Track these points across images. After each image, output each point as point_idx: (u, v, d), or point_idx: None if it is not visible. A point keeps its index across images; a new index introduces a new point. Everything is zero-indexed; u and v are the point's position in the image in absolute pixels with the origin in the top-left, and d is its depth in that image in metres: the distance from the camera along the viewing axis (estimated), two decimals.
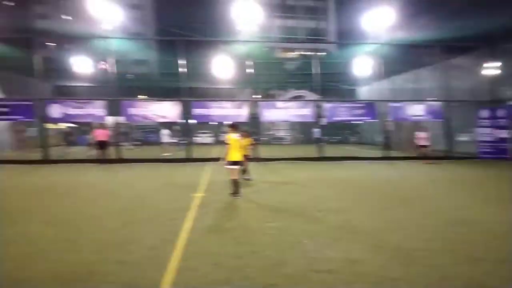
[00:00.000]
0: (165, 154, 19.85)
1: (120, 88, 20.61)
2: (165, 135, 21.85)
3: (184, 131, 23.10)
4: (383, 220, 6.56)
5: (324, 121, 19.62)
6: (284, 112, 18.78)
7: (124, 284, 4.00)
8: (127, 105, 17.78)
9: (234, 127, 8.90)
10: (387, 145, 19.92)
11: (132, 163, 17.10)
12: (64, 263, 4.54)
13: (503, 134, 17.41)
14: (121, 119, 18.51)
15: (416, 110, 19.09)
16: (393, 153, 19.00)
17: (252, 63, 20.23)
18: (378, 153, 19.95)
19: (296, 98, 32.83)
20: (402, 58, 22.63)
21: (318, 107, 19.20)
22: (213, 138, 35.11)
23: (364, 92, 30.86)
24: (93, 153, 17.69)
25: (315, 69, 19.77)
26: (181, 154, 18.78)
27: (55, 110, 17.39)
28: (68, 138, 27.26)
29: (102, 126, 17.46)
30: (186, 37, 18.94)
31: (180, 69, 18.29)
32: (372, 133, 30.17)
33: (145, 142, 31.88)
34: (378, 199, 8.56)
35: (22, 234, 5.74)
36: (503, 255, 4.83)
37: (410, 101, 19.68)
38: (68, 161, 17.71)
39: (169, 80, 29.06)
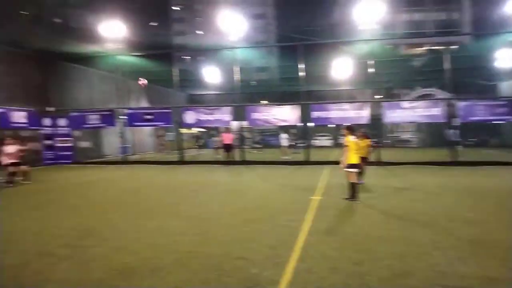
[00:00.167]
0: (285, 157, 20.30)
1: (244, 95, 21.89)
2: (284, 138, 22.36)
3: (302, 134, 23.32)
4: None
5: (457, 121, 17.63)
6: (410, 112, 17.46)
7: (246, 279, 4.19)
8: (251, 110, 18.74)
9: (351, 129, 8.64)
10: None
11: (254, 165, 17.90)
12: (192, 255, 4.98)
13: None
14: (244, 123, 19.64)
15: None
16: None
17: (373, 62, 19.36)
18: None
19: (424, 97, 30.25)
20: None
21: (450, 106, 17.36)
22: (332, 140, 34.59)
23: (507, 87, 26.84)
24: (220, 155, 19.10)
25: (447, 64, 17.91)
26: (300, 157, 18.98)
27: (189, 117, 19.34)
28: (199, 141, 29.92)
29: (228, 130, 18.81)
30: (305, 41, 19.12)
31: (300, 73, 18.53)
32: None
33: (266, 145, 33.14)
34: None
35: (160, 227, 6.49)
36: None
37: None
38: (198, 162, 19.53)
39: (289, 84, 29.72)
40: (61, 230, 6.27)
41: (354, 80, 27.68)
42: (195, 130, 32.22)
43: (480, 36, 31.63)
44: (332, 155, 19.28)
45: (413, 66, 32.06)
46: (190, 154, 21.78)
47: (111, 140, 24.28)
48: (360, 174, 10.44)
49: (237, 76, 19.36)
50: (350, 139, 8.41)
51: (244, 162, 18.50)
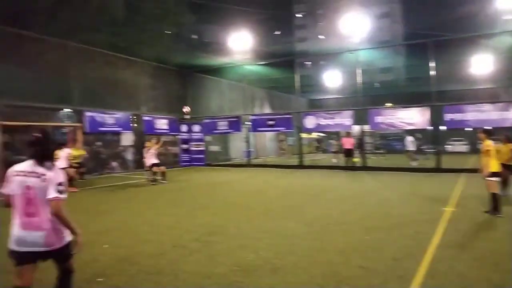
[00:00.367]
0: (413, 163, 18.83)
1: (366, 97, 21.09)
2: (410, 143, 20.76)
3: (432, 138, 21.32)
4: None
5: None
6: None
7: None
8: (374, 114, 17.93)
9: (488, 132, 7.57)
10: None
11: (376, 171, 17.09)
12: (311, 259, 4.97)
13: None
14: (366, 127, 18.88)
15: None
16: None
17: None
18: None
19: None
20: None
21: None
22: (468, 146, 30.74)
23: None
24: (338, 160, 18.73)
25: None
26: (429, 164, 17.40)
27: (309, 121, 19.43)
28: (320, 146, 29.79)
29: (349, 134, 18.32)
30: (436, 37, 17.48)
31: (431, 72, 17.03)
32: None
33: (389, 150, 31.29)
34: None
35: (279, 229, 6.64)
36: None
37: None
38: (318, 167, 19.47)
39: (416, 85, 27.58)
40: (192, 226, 6.91)
41: (497, 78, 24.28)
42: (315, 134, 32.25)
43: None
44: (469, 162, 17.22)
45: None
46: (312, 158, 21.86)
47: (237, 145, 25.92)
48: (504, 184, 9.07)
49: (359, 79, 18.74)
50: (489, 144, 7.39)
51: (365, 168, 17.79)
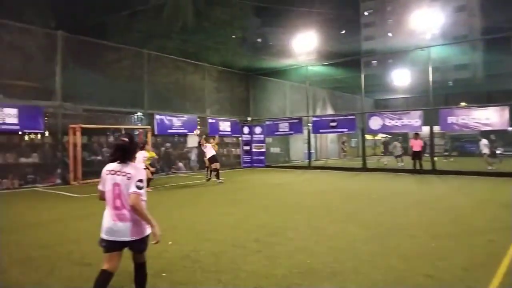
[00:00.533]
0: (489, 167, 17.36)
1: (438, 97, 19.90)
2: (484, 146, 19.14)
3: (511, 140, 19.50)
4: None
5: None
6: None
7: None
8: (446, 114, 16.87)
9: None
10: None
11: (447, 175, 16.09)
12: (373, 264, 4.80)
13: None
14: (436, 128, 17.78)
15: None
16: None
17: None
18: None
19: None
20: None
21: None
22: None
23: None
24: (402, 163, 17.86)
25: None
26: (506, 167, 15.93)
27: (374, 122, 18.78)
28: (385, 148, 28.65)
29: (417, 136, 17.37)
30: None
31: None
32: None
33: (462, 153, 29.14)
34: None
35: (340, 232, 6.51)
36: None
37: None
38: (383, 169, 18.73)
39: (495, 82, 25.40)
40: (252, 226, 7.02)
41: None
42: (380, 136, 31.07)
43: None
44: None
45: None
46: (379, 160, 21.07)
47: (297, 146, 25.82)
48: None
49: (430, 77, 17.71)
50: None
51: (434, 172, 16.78)
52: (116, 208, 3.30)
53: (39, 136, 14.30)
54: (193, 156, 20.26)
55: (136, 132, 16.97)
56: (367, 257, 5.09)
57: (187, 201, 10.22)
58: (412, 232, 6.42)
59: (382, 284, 4.19)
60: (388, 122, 18.38)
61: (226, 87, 22.96)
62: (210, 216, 8.14)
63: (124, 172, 3.33)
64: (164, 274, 4.48)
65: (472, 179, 14.57)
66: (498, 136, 20.87)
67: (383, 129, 18.98)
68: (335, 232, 6.45)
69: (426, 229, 6.62)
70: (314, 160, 24.71)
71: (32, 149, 14.04)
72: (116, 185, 3.32)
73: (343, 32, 52.59)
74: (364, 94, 20.47)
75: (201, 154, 15.85)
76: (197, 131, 15.41)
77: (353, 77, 23.13)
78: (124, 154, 3.40)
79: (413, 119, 17.60)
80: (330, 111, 28.28)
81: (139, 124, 17.41)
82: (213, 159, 14.49)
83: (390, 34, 55.15)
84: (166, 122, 18.34)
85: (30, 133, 13.96)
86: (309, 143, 21.82)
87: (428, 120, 17.55)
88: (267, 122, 22.99)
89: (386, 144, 27.46)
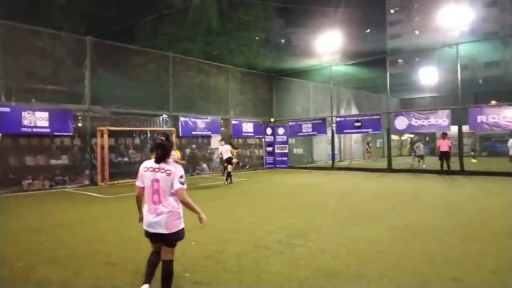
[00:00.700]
0: None
1: (466, 95, 19.30)
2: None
3: None
4: None
5: None
6: None
7: None
8: (475, 113, 16.34)
9: None
10: None
11: (475, 176, 15.61)
12: (398, 267, 4.69)
13: None
14: (465, 128, 17.23)
15: None
16: None
17: None
18: None
19: None
20: None
21: None
22: None
23: None
24: (424, 165, 17.47)
25: None
26: None
27: (400, 122, 18.40)
28: (412, 148, 28.05)
29: (445, 136, 16.90)
30: None
31: None
32: None
33: (492, 153, 28.10)
34: None
35: (364, 234, 6.40)
36: None
37: None
38: (409, 170, 18.33)
39: None
40: (275, 227, 6.99)
41: None
42: (407, 136, 30.42)
43: None
44: None
45: None
46: (400, 162, 20.63)
47: (321, 147, 25.59)
48: None
49: (458, 75, 17.18)
50: None
51: (463, 172, 16.28)
52: (154, 202, 3.55)
53: (68, 138, 14.76)
54: (216, 157, 20.44)
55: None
56: (392, 260, 4.99)
57: (209, 202, 10.29)
58: (439, 234, 6.24)
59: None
60: (415, 122, 17.96)
61: (250, 88, 23.04)
62: (232, 217, 8.17)
63: (163, 169, 3.55)
64: (187, 274, 4.52)
65: (502, 180, 14.05)
66: None
67: (409, 129, 18.56)
68: (359, 234, 6.35)
69: (454, 231, 6.43)
70: (338, 161, 24.43)
71: (62, 151, 14.50)
72: (155, 181, 3.54)
73: (368, 30, 51.83)
74: (390, 94, 20.10)
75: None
76: (222, 143, 15.65)
77: (379, 76, 22.75)
78: (163, 152, 3.60)
79: (441, 119, 17.14)
80: (354, 111, 27.88)
81: (164, 126, 17.70)
82: (228, 161, 14.79)
83: (416, 32, 53.91)
84: (190, 123, 18.57)
85: (60, 136, 14.42)
86: (332, 143, 21.58)
87: (457, 119, 17.04)
88: (290, 123, 22.90)
89: (413, 144, 26.80)
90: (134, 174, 15.85)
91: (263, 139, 23.12)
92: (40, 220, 8.16)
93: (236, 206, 9.59)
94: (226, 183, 14.51)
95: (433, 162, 19.01)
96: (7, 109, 12.72)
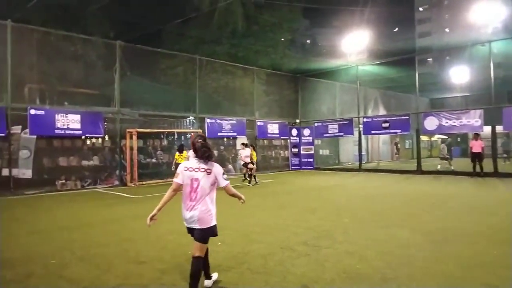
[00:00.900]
0: None
1: (501, 94, 18.57)
2: None
3: None
4: None
5: None
6: None
7: None
8: (510, 112, 15.71)
9: None
10: None
11: (510, 178, 15.01)
12: (427, 271, 4.58)
13: None
14: (500, 128, 16.59)
15: None
16: None
17: None
18: None
19: None
20: None
21: None
22: None
23: None
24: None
25: None
26: None
27: (429, 123, 17.93)
28: (442, 150, 27.27)
29: (477, 137, 16.31)
30: None
31: None
32: None
33: None
34: None
35: (392, 237, 6.28)
36: None
37: None
38: (440, 172, 17.84)
39: None
40: (300, 229, 6.96)
41: None
42: (437, 137, 29.57)
43: None
44: None
45: None
46: (429, 163, 20.05)
47: (348, 148, 25.25)
48: None
49: (491, 74, 16.57)
50: None
51: (496, 174, 15.68)
52: (191, 199, 3.81)
53: (99, 140, 15.21)
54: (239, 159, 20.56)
55: (188, 136, 17.50)
56: (422, 263, 4.88)
57: (234, 203, 10.30)
58: (471, 238, 6.05)
59: None
60: (445, 122, 17.45)
61: (275, 89, 23.04)
62: (258, 218, 8.19)
63: (203, 168, 3.85)
64: (212, 274, 4.57)
65: None
66: None
67: (440, 129, 18.05)
68: (387, 237, 6.24)
69: (486, 235, 6.22)
70: (365, 163, 24.03)
71: (93, 153, 14.97)
72: (195, 180, 3.82)
73: (396, 29, 50.74)
74: (419, 93, 19.61)
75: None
76: (242, 146, 15.78)
77: (407, 75, 22.21)
78: (202, 152, 3.87)
79: (473, 119, 16.58)
80: (382, 111, 27.35)
81: (191, 128, 17.95)
82: (246, 165, 15.13)
83: (447, 30, 52.34)
84: (216, 125, 18.76)
85: (91, 138, 14.89)
86: (359, 144, 21.26)
87: (490, 119, 16.43)
88: (316, 124, 22.73)
89: (446, 145, 25.92)
90: (162, 175, 16.19)
91: (288, 140, 23.04)
92: (73, 219, 8.45)
93: (261, 207, 9.60)
94: (250, 184, 14.55)
95: (465, 164, 18.40)
96: (42, 112, 13.25)
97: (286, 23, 27.00)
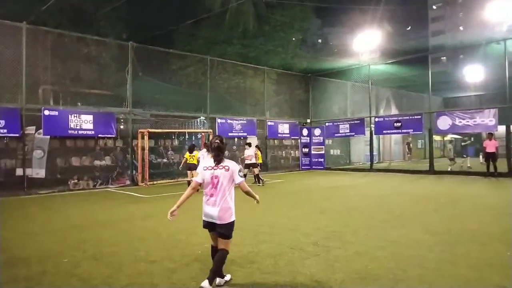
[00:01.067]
0: None
1: None
2: None
3: None
4: None
5: None
6: None
7: None
8: None
9: None
10: None
11: None
12: (439, 273, 4.53)
13: None
14: None
15: None
16: None
17: None
18: None
19: None
20: None
21: None
22: None
23: None
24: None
25: None
26: None
27: (442, 122, 17.70)
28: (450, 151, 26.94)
29: (491, 136, 16.05)
30: None
31: None
32: None
33: None
34: None
35: (403, 237, 6.22)
36: None
37: None
38: (452, 172, 17.62)
39: None
40: (310, 229, 6.94)
41: None
42: (450, 137, 29.16)
43: None
44: None
45: None
46: (442, 163, 19.77)
47: (359, 148, 25.06)
48: None
49: (506, 72, 16.27)
50: None
51: (511, 174, 15.45)
52: (212, 196, 4.10)
53: (111, 140, 15.37)
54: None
55: (199, 136, 17.59)
56: (433, 264, 4.82)
57: (244, 203, 10.30)
58: (483, 239, 5.96)
59: None
60: (459, 122, 17.21)
61: (286, 89, 23.00)
62: (268, 218, 8.18)
63: (221, 166, 4.15)
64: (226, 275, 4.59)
65: None
66: None
67: (453, 129, 17.80)
68: (398, 238, 6.18)
69: (499, 236, 6.12)
70: (377, 163, 23.84)
71: (105, 153, 15.13)
72: (214, 177, 4.11)
73: (409, 28, 50.19)
74: (432, 93, 19.38)
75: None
76: (247, 146, 15.77)
77: (420, 74, 21.96)
78: (219, 152, 4.18)
79: (487, 118, 16.31)
80: (394, 111, 27.09)
81: (202, 128, 18.04)
82: (248, 166, 15.09)
83: (461, 28, 51.60)
84: (227, 125, 18.82)
85: (103, 138, 15.06)
86: (371, 144, 21.10)
87: (504, 118, 16.15)
88: (327, 124, 22.63)
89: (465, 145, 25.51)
90: (172, 174, 16.23)
91: (299, 140, 22.97)
92: (85, 218, 8.56)
93: (271, 207, 9.58)
94: (259, 184, 14.53)
95: (477, 163, 18.15)
96: (56, 113, 13.45)
97: (298, 22, 26.91)
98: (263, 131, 20.91)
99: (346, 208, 9.23)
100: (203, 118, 18.28)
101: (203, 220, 4.19)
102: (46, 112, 13.20)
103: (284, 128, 21.92)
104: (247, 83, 21.39)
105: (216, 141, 4.21)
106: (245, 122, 19.70)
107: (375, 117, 20.86)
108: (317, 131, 22.64)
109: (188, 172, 13.02)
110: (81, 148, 14.57)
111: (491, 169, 15.71)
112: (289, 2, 24.75)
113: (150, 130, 15.30)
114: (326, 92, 24.14)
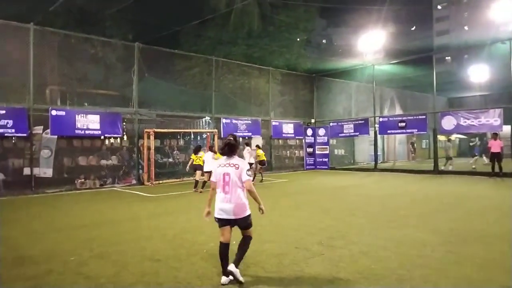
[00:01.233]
0: None
1: None
2: None
3: None
4: None
5: None
6: None
7: None
8: None
9: None
10: None
11: None
12: (444, 273, 4.55)
13: None
14: None
15: None
16: None
17: None
18: None
19: None
20: None
21: None
22: None
23: None
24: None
25: None
26: None
27: (447, 122, 17.66)
28: (460, 149, 26.83)
29: (496, 136, 15.99)
30: None
31: None
32: None
33: None
34: None
35: (408, 238, 6.24)
36: None
37: None
38: (457, 172, 17.55)
39: None
40: (314, 229, 6.97)
41: None
42: (453, 136, 29.00)
43: None
44: None
45: None
46: (447, 163, 19.70)
47: (363, 148, 25.03)
48: None
49: (511, 72, 16.19)
50: None
51: None
52: (225, 192, 4.29)
53: (118, 140, 15.49)
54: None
55: (204, 136, 17.67)
56: (437, 265, 4.85)
57: (250, 202, 10.39)
58: (489, 239, 5.97)
59: None
60: (463, 122, 17.16)
61: (290, 89, 23.03)
62: (272, 217, 8.21)
63: (232, 163, 4.36)
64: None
65: None
66: None
67: (458, 129, 17.76)
68: (402, 238, 6.20)
69: (505, 237, 6.12)
70: (381, 162, 23.80)
71: (111, 152, 15.25)
72: (226, 174, 4.30)
73: (414, 28, 50.01)
74: (436, 93, 19.33)
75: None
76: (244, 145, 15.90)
77: (424, 75, 21.91)
78: (231, 149, 4.41)
79: (492, 118, 16.26)
80: (398, 111, 27.02)
81: (207, 128, 18.12)
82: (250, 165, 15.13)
83: (466, 28, 51.34)
84: (232, 125, 18.88)
85: (110, 138, 15.18)
86: (375, 144, 21.08)
87: (509, 118, 16.10)
88: (332, 124, 22.63)
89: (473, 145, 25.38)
90: (178, 174, 16.34)
91: (303, 140, 22.99)
92: (91, 217, 8.65)
93: (275, 207, 9.62)
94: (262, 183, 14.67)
95: (480, 164, 18.08)
96: (63, 113, 13.59)
97: (302, 23, 26.92)
98: (267, 131, 20.96)
99: (351, 208, 9.26)
100: (208, 118, 18.35)
101: (216, 217, 4.34)
102: (54, 112, 13.34)
103: (288, 128, 21.95)
104: (252, 83, 21.44)
105: (229, 138, 4.43)
106: (250, 122, 19.76)
107: (380, 117, 20.84)
108: (321, 131, 22.65)
109: (197, 172, 13.12)
110: (88, 148, 14.71)
111: (496, 169, 15.66)
112: (293, 2, 24.76)
113: (156, 130, 15.40)
114: (331, 92, 24.14)
